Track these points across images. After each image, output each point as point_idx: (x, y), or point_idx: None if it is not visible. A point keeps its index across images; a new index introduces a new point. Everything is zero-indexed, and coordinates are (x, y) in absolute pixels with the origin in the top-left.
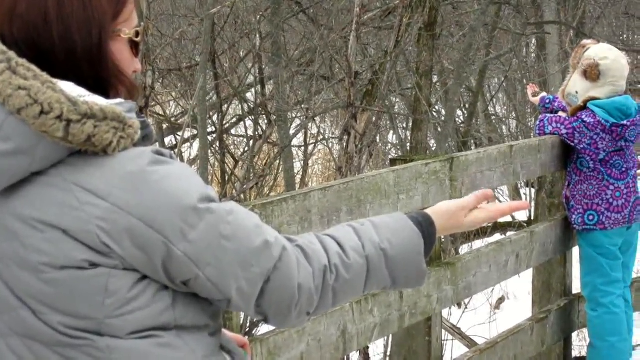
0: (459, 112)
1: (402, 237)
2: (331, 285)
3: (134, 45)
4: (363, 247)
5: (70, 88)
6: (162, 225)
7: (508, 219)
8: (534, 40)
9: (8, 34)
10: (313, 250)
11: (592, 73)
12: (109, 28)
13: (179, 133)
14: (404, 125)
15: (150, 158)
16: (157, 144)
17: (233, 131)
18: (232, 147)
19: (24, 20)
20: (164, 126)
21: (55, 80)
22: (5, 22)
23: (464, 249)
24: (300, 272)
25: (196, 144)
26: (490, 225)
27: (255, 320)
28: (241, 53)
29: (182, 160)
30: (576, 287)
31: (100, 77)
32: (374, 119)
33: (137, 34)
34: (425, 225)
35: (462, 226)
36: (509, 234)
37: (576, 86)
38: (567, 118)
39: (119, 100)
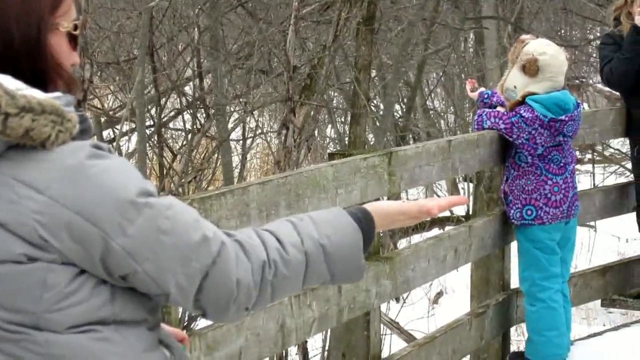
0: (397, 107)
1: (341, 232)
2: (270, 281)
3: (72, 39)
4: (302, 243)
5: (7, 81)
6: (100, 219)
7: (446, 213)
8: (472, 35)
9: None
10: (252, 246)
11: (531, 68)
12: (47, 20)
13: (117, 126)
14: (342, 120)
15: (89, 152)
16: (95, 137)
17: (171, 125)
18: (170, 140)
19: None
20: (102, 119)
21: None
22: None
23: (402, 243)
24: (239, 267)
25: (134, 138)
26: (428, 219)
27: (193, 314)
28: (179, 47)
29: (120, 153)
30: (514, 282)
31: (38, 70)
32: (312, 113)
33: (75, 27)
34: (365, 221)
35: (397, 225)
36: (447, 228)
37: (515, 81)
38: (506, 113)
39: (57, 94)
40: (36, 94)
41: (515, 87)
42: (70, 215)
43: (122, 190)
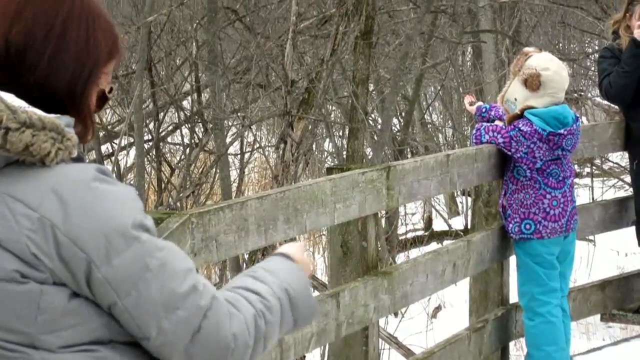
0: (395, 121)
1: (293, 276)
2: (263, 329)
3: (101, 100)
4: (272, 290)
5: (10, 99)
6: (88, 244)
7: (445, 227)
8: (470, 49)
9: (1, 35)
10: (238, 300)
11: (533, 83)
12: (99, 70)
13: (115, 141)
14: (340, 134)
15: (93, 175)
16: (94, 152)
17: (169, 139)
18: (168, 155)
19: (26, 26)
20: (101, 134)
21: None
22: (6, 19)
23: (400, 258)
24: (233, 321)
25: (133, 152)
26: (427, 234)
27: None
28: (177, 61)
29: (118, 168)
30: (513, 297)
31: (72, 110)
32: (310, 127)
33: (110, 89)
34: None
35: (307, 264)
36: (445, 243)
37: (515, 93)
38: (504, 127)
39: (57, 115)
40: (37, 111)
41: (515, 99)
42: (58, 235)
43: (114, 219)
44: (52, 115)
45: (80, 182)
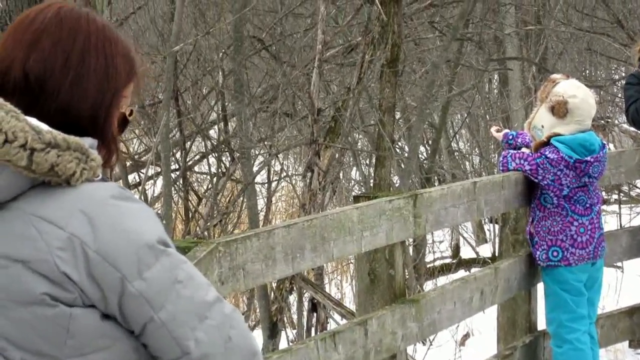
0: (422, 149)
1: None
2: None
3: (124, 122)
4: None
5: (34, 122)
6: (119, 260)
7: (472, 255)
8: (496, 76)
9: (18, 63)
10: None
11: (560, 110)
12: (120, 94)
13: (142, 171)
14: (367, 162)
15: (116, 192)
16: (121, 181)
17: (196, 168)
18: (195, 184)
19: (44, 55)
20: (128, 164)
21: (19, 111)
22: (23, 50)
23: (428, 285)
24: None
25: (160, 182)
26: (454, 261)
27: None
28: (204, 90)
29: (145, 198)
30: (541, 324)
31: (95, 135)
32: (337, 155)
33: (131, 112)
34: None
35: None
36: (473, 270)
37: (542, 120)
38: (531, 154)
39: (80, 137)
40: (60, 133)
41: (542, 126)
42: (90, 252)
43: (142, 234)
44: (75, 137)
45: (105, 199)
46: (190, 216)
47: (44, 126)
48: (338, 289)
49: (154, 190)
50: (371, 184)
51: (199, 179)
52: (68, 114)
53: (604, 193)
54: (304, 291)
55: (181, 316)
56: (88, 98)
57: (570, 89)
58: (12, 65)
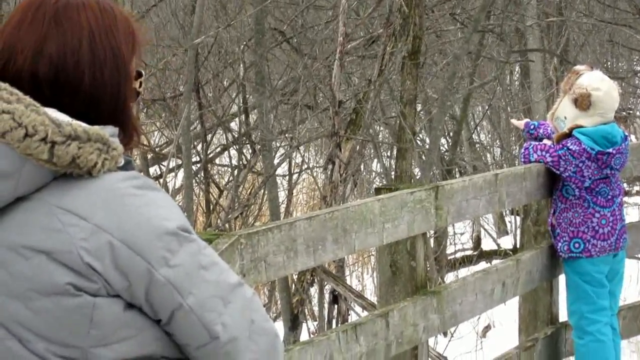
0: (443, 140)
1: None
2: None
3: (136, 94)
4: None
5: (54, 113)
6: (144, 248)
7: (493, 246)
8: (517, 68)
9: (28, 70)
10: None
11: (583, 102)
12: (131, 75)
13: (163, 163)
14: (388, 154)
15: (138, 182)
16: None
17: (217, 161)
18: (216, 176)
19: (53, 60)
20: (149, 156)
21: (38, 104)
22: (28, 58)
23: (449, 277)
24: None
25: (181, 174)
26: (475, 253)
27: None
28: (225, 83)
29: (167, 190)
30: (563, 315)
31: (117, 124)
32: (358, 147)
33: (140, 84)
34: None
35: None
36: (494, 262)
37: (565, 111)
38: (552, 146)
39: (100, 126)
40: (81, 123)
41: (565, 117)
42: (114, 242)
43: (165, 222)
44: (96, 127)
45: (128, 189)
46: (211, 208)
47: (64, 117)
48: (359, 280)
49: (175, 183)
50: (392, 176)
51: (220, 172)
52: (89, 111)
53: (625, 185)
54: (325, 283)
55: (208, 301)
56: (106, 93)
57: (594, 81)
58: (21, 75)
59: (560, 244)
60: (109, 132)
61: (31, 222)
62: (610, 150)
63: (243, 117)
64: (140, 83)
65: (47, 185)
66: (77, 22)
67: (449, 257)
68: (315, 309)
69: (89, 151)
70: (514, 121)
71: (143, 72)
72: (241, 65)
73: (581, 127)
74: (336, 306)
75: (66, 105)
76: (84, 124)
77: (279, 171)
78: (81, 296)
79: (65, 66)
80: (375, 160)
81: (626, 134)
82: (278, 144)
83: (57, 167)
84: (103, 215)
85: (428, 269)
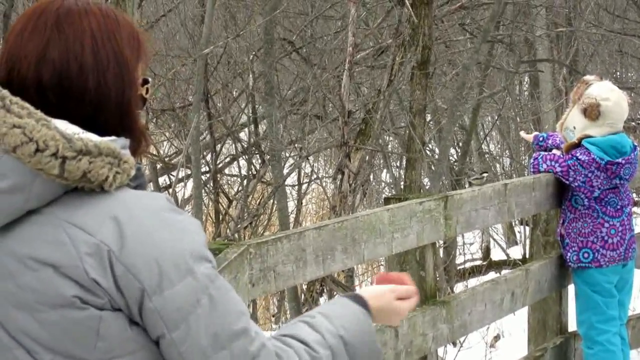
0: (452, 151)
1: (353, 321)
2: None
3: (143, 100)
4: (324, 338)
5: (64, 126)
6: (141, 272)
7: (502, 257)
8: (527, 78)
9: (32, 77)
10: (284, 351)
11: (592, 113)
12: (136, 79)
13: (172, 173)
14: (398, 164)
15: (164, 204)
16: (151, 184)
17: (227, 171)
18: (225, 186)
19: (56, 66)
20: (158, 166)
21: (49, 118)
22: (31, 65)
23: (458, 287)
24: None
25: (190, 184)
26: (485, 263)
27: None
28: (234, 93)
29: (176, 200)
30: (572, 325)
31: (125, 131)
32: (367, 157)
33: (147, 90)
34: (365, 306)
35: (393, 309)
36: (503, 272)
37: (574, 122)
38: (562, 156)
39: (112, 137)
40: (92, 137)
41: (574, 127)
42: (116, 262)
43: (171, 249)
44: (106, 139)
45: (150, 209)
46: (220, 218)
47: (74, 129)
48: None
49: (184, 193)
50: (401, 186)
51: (229, 182)
52: (95, 116)
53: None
54: (335, 293)
55: (194, 342)
56: (111, 98)
57: (603, 91)
58: (26, 83)
59: (569, 254)
60: (119, 144)
61: (40, 235)
62: (620, 160)
63: (252, 127)
64: (147, 90)
65: (59, 199)
66: (79, 27)
67: (458, 267)
68: None
69: (100, 165)
70: (523, 134)
71: (149, 79)
72: (250, 75)
73: (590, 137)
74: None
75: (72, 110)
76: (94, 138)
77: (288, 181)
78: (88, 309)
79: (69, 71)
80: (385, 170)
81: (635, 144)
82: (287, 154)
83: (68, 181)
84: (108, 233)
85: (437, 278)
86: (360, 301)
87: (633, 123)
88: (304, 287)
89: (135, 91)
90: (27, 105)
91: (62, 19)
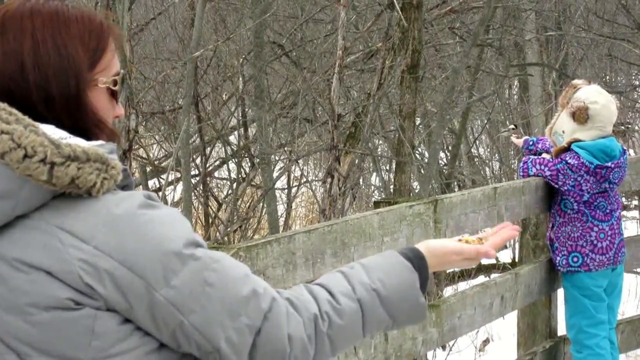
0: (442, 154)
1: (394, 274)
2: (325, 333)
3: (113, 93)
4: (354, 291)
5: (51, 131)
6: (144, 269)
7: (492, 261)
8: (516, 82)
9: None
10: (301, 301)
11: (581, 116)
12: (85, 77)
13: (162, 176)
14: (387, 168)
15: (141, 202)
16: (141, 187)
17: (216, 174)
18: (215, 189)
19: (0, 70)
20: (148, 169)
21: (37, 124)
22: None
23: (448, 291)
24: (290, 322)
25: (180, 187)
26: (474, 267)
27: None
28: (224, 96)
29: (165, 203)
30: (562, 329)
31: (79, 126)
32: (357, 161)
33: (114, 82)
34: (416, 260)
35: (452, 266)
36: (493, 275)
37: (563, 126)
38: (551, 160)
39: (100, 142)
40: (80, 142)
41: (563, 131)
42: (114, 265)
43: (166, 242)
44: (94, 144)
45: (129, 210)
46: (210, 222)
47: (61, 133)
48: None
49: (174, 196)
50: (391, 190)
51: (219, 185)
52: (48, 115)
53: (624, 199)
54: None
55: (212, 318)
56: (55, 95)
57: (591, 95)
58: None
59: (558, 258)
60: (107, 149)
61: (31, 240)
62: (609, 164)
63: (242, 130)
64: (115, 82)
65: (47, 204)
66: (20, 28)
67: (447, 271)
68: None
69: (88, 172)
70: (513, 139)
71: (121, 71)
72: (240, 78)
73: (579, 140)
74: None
75: (26, 111)
76: (83, 143)
77: (278, 184)
78: (83, 308)
79: (12, 72)
80: (374, 173)
81: (624, 148)
82: (277, 158)
83: (56, 187)
84: (102, 238)
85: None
86: (410, 255)
87: (622, 127)
88: None
89: (84, 87)
90: (15, 111)
91: (6, 22)
